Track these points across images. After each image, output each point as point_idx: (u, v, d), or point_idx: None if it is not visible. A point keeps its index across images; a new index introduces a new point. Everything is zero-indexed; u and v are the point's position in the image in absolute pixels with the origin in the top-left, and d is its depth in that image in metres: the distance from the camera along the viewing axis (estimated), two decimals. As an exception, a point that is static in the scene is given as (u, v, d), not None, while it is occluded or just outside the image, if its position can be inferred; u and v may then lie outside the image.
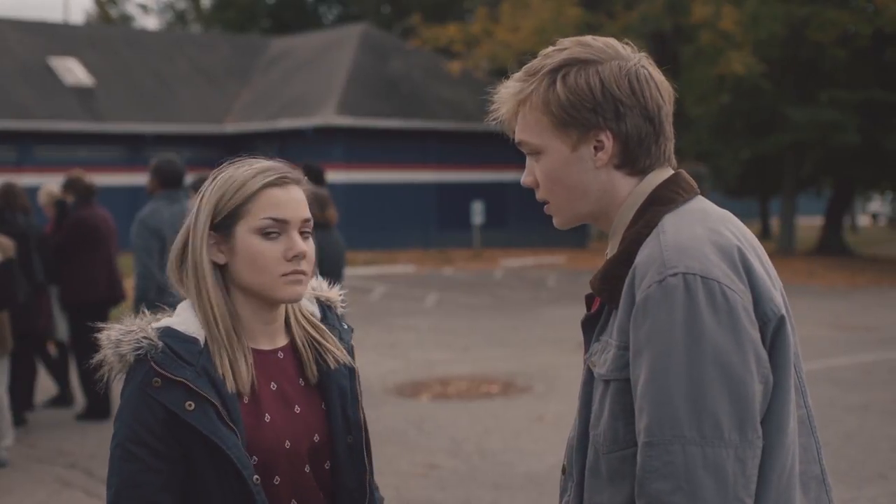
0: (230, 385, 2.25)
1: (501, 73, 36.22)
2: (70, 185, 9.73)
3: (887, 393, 10.47)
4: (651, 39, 28.74)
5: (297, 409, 2.37)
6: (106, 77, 31.00)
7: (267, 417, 2.31)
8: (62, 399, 10.15)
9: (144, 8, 61.17)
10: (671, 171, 2.13)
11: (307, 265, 2.33)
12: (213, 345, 2.28)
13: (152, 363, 2.21)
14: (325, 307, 2.53)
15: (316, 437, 2.37)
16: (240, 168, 2.34)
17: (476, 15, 34.24)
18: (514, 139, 2.17)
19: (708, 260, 1.94)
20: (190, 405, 2.20)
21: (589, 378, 2.10)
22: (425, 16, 37.65)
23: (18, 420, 9.13)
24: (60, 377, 10.18)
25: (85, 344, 9.61)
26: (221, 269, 2.34)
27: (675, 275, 1.91)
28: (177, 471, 2.23)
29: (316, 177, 9.09)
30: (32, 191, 11.65)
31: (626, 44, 2.13)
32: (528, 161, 2.16)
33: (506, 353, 13.08)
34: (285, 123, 29.64)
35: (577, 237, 32.96)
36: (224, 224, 2.30)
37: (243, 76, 34.11)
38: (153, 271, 7.74)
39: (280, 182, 2.31)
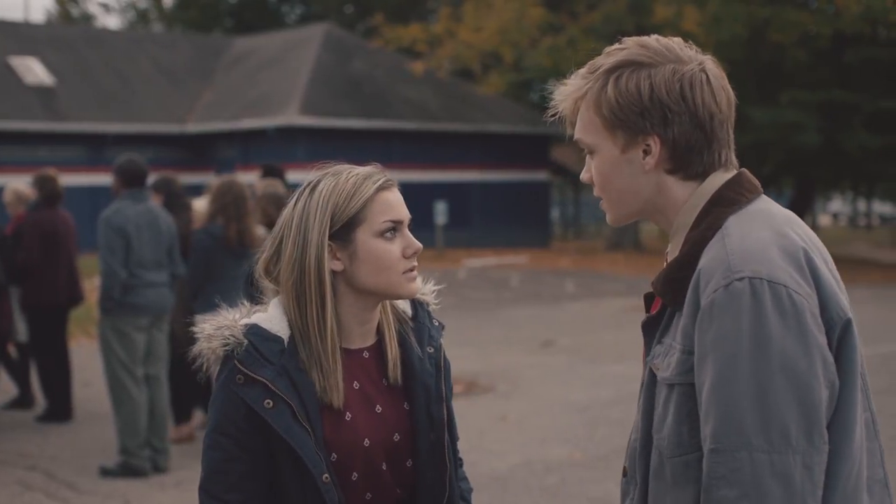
0: (336, 401, 2.35)
1: (464, 74, 36.08)
2: (37, 183, 9.58)
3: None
4: (613, 40, 28.77)
5: (379, 408, 2.43)
6: (67, 76, 30.76)
7: (348, 416, 2.38)
8: (23, 401, 10.07)
9: (106, 7, 60.75)
10: (734, 172, 2.13)
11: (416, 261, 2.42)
12: (312, 355, 2.35)
13: (235, 361, 2.32)
14: (417, 305, 2.58)
15: (396, 436, 2.43)
16: (341, 176, 2.42)
17: (439, 15, 34.25)
18: (572, 136, 2.17)
19: (774, 264, 1.91)
20: (268, 403, 2.30)
21: (651, 381, 2.08)
22: (388, 16, 37.58)
23: (-22, 422, 9.06)
24: (21, 379, 10.10)
25: (44, 346, 9.55)
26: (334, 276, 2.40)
27: (741, 279, 1.89)
28: (260, 462, 2.34)
29: (276, 177, 9.06)
30: (-8, 191, 11.52)
31: (689, 45, 2.11)
32: (587, 158, 2.17)
33: (469, 352, 13.07)
34: (248, 123, 29.52)
35: (540, 237, 33.03)
36: (342, 232, 2.37)
37: (205, 76, 33.93)
38: (117, 270, 7.70)
39: (388, 185, 2.42)
